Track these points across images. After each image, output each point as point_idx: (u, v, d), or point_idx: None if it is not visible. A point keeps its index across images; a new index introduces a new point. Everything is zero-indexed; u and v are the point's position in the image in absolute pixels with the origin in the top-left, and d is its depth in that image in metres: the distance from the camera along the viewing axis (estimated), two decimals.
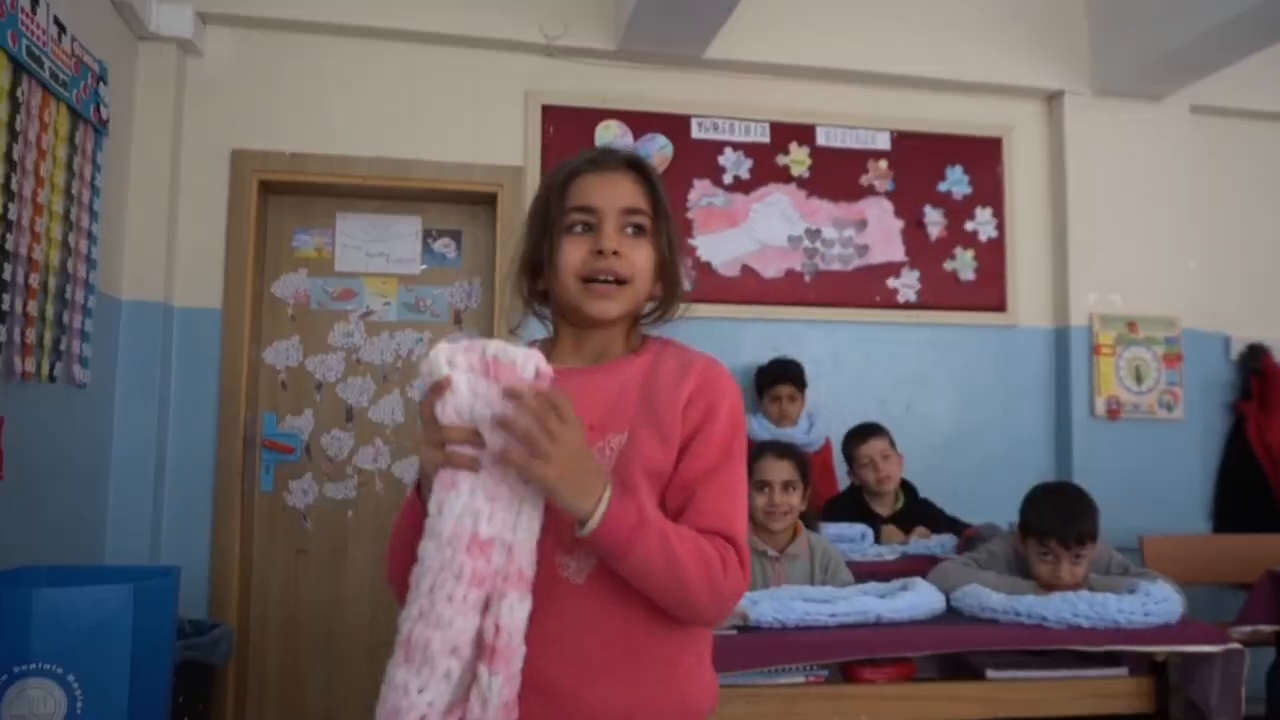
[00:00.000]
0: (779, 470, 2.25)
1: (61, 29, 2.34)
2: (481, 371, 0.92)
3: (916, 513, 2.86)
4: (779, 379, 3.12)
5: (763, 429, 3.07)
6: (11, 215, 2.13)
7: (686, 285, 1.09)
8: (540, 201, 1.08)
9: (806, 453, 2.61)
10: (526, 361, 0.91)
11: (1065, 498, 2.12)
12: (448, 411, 0.91)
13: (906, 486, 2.94)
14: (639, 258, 1.04)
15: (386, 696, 0.90)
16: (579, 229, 1.04)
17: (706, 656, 1.06)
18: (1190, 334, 3.58)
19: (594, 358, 1.07)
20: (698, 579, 0.94)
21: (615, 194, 1.04)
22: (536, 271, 1.07)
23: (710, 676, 1.06)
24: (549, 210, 1.06)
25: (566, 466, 0.88)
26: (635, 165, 1.07)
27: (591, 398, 1.00)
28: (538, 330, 1.15)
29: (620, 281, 1.03)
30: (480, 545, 0.89)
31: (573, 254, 1.03)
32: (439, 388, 0.91)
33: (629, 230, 1.05)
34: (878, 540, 2.71)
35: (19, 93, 2.16)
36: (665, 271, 1.07)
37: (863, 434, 2.90)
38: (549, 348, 1.10)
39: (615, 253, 1.02)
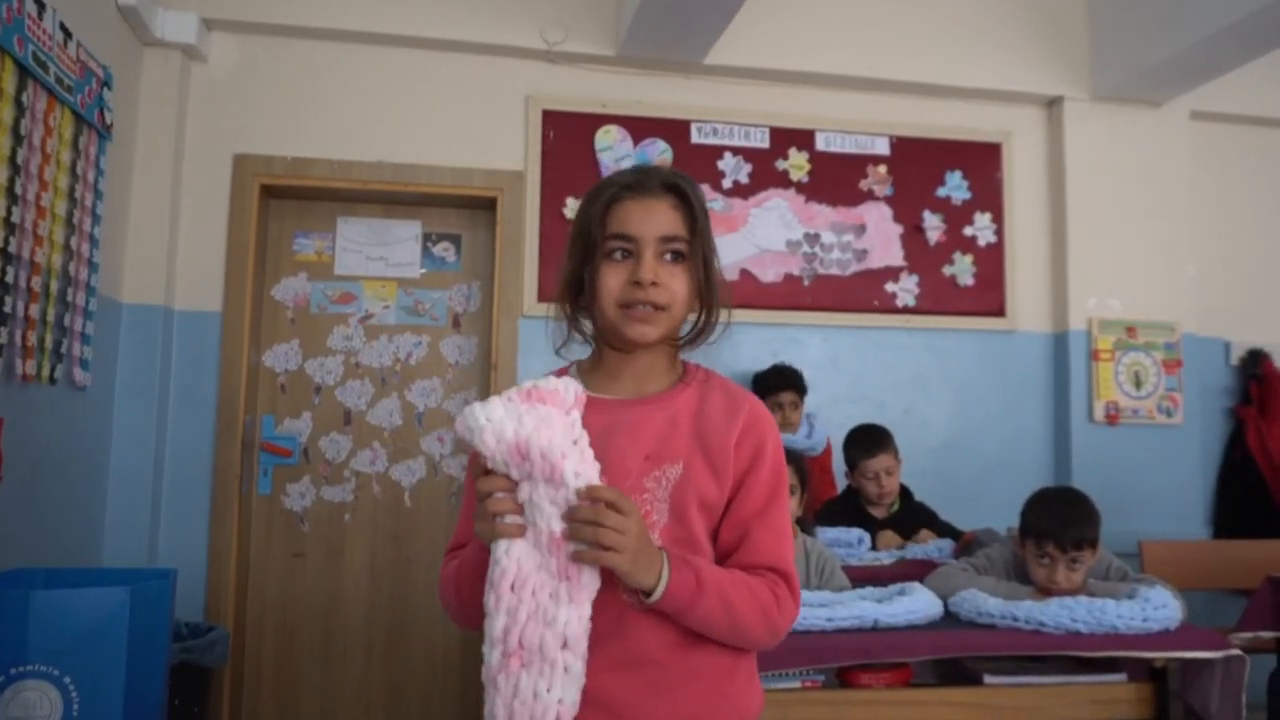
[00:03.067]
0: None
1: (67, 34, 2.35)
2: (522, 400, 0.96)
3: (912, 517, 2.85)
4: (780, 386, 3.11)
5: None
6: (14, 218, 2.14)
7: (723, 313, 1.13)
8: (581, 225, 1.10)
9: (805, 457, 2.60)
10: (566, 388, 0.99)
11: (1066, 502, 2.11)
12: (488, 442, 0.93)
13: (902, 490, 2.93)
14: (676, 285, 1.07)
15: (513, 710, 0.91)
16: (618, 255, 1.07)
17: (755, 669, 1.12)
18: (1190, 339, 3.58)
19: (636, 387, 1.10)
20: (755, 622, 1.03)
21: (653, 221, 1.07)
22: (578, 291, 1.10)
23: (758, 687, 1.12)
24: (590, 234, 1.08)
25: (635, 554, 0.94)
26: (674, 189, 1.09)
27: (645, 430, 1.05)
28: (579, 350, 1.17)
29: (658, 308, 1.06)
30: (557, 542, 0.95)
31: (612, 281, 1.06)
32: (476, 460, 0.96)
33: (667, 257, 1.07)
34: (874, 544, 2.70)
35: (24, 97, 2.17)
36: (703, 293, 1.10)
37: (868, 448, 2.81)
38: (588, 373, 1.13)
39: (653, 283, 1.05)
